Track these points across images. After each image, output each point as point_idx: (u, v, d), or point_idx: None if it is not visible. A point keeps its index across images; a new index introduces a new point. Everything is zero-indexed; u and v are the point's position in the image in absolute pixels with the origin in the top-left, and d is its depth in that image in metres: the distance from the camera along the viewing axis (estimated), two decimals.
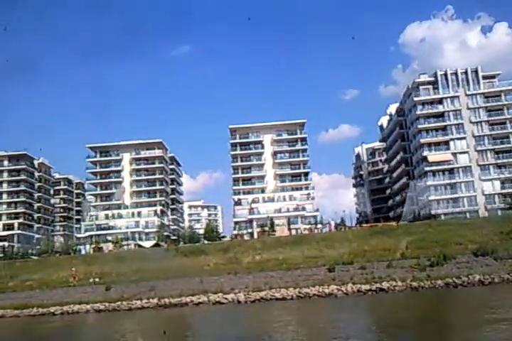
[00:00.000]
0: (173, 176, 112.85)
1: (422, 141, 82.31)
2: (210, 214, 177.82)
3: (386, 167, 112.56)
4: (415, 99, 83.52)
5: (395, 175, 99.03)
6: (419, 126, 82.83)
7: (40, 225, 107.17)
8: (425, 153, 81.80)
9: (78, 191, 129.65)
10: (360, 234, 46.37)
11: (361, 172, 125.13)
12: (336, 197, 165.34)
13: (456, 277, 28.64)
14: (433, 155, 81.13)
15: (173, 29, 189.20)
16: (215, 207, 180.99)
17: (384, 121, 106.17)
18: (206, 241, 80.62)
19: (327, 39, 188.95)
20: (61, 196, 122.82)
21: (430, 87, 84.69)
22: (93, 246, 78.04)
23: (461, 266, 31.21)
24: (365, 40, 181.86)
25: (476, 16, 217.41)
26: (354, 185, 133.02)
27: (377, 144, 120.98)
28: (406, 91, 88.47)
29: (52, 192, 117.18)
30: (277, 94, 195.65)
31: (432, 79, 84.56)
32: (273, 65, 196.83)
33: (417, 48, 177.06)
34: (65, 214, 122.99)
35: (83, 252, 75.20)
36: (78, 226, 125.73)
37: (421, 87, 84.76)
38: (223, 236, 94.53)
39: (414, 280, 28.89)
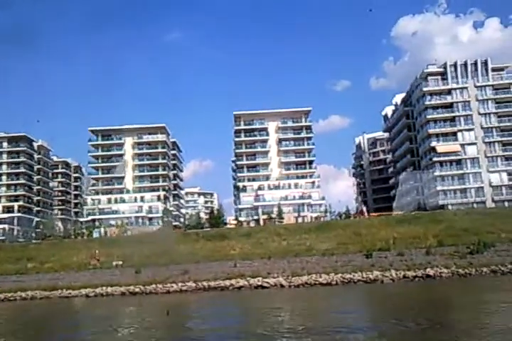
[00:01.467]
0: (174, 161, 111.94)
1: (431, 131, 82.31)
2: (206, 201, 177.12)
3: (389, 157, 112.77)
4: (424, 89, 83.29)
5: (399, 165, 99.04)
6: (428, 117, 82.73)
7: (39, 208, 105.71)
8: (433, 144, 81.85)
9: (76, 175, 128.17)
10: (385, 221, 46.24)
11: (362, 162, 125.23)
12: (326, 188, 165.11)
13: (501, 264, 28.56)
14: (441, 146, 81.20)
15: (178, 13, 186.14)
16: (212, 195, 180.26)
17: (389, 111, 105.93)
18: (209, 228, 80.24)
19: (320, 30, 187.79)
20: (59, 179, 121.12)
21: (439, 77, 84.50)
22: (108, 229, 77.09)
23: (502, 254, 31.17)
24: (358, 31, 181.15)
25: (468, 11, 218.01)
26: (354, 175, 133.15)
27: (378, 134, 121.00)
28: (414, 81, 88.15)
29: (50, 175, 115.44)
30: (268, 84, 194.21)
31: (441, 69, 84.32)
32: (264, 55, 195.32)
33: (409, 41, 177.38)
34: (63, 197, 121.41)
35: (96, 235, 74.22)
36: (76, 210, 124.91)
37: (429, 78, 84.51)
38: (225, 223, 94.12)
39: (458, 267, 28.73)
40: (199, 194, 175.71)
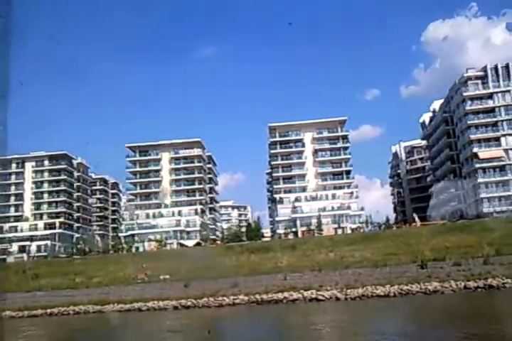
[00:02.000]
0: (210, 175, 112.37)
1: (472, 137, 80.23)
2: (240, 214, 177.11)
3: (428, 165, 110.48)
4: (464, 94, 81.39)
5: (438, 173, 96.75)
6: (469, 122, 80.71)
7: (79, 225, 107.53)
8: (475, 150, 79.70)
9: (113, 191, 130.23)
10: (434, 231, 44.88)
11: (399, 171, 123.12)
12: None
13: None
14: (484, 152, 78.94)
15: (206, 29, 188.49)
16: (245, 207, 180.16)
17: (426, 118, 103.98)
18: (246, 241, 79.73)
19: (349, 38, 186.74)
20: (97, 196, 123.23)
21: (479, 81, 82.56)
22: (146, 244, 77.66)
23: None
24: (387, 39, 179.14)
25: (501, 13, 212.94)
26: (391, 184, 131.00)
27: (415, 142, 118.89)
28: (453, 86, 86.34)
29: (89, 192, 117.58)
30: (297, 94, 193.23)
31: (481, 73, 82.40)
32: (294, 66, 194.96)
33: (440, 47, 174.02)
34: (101, 213, 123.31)
35: (141, 250, 74.80)
36: (114, 225, 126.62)
37: (469, 82, 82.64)
38: (263, 236, 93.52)
39: None
40: (233, 207, 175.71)
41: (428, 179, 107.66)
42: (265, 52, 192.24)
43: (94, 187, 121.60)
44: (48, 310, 34.46)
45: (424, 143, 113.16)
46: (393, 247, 40.42)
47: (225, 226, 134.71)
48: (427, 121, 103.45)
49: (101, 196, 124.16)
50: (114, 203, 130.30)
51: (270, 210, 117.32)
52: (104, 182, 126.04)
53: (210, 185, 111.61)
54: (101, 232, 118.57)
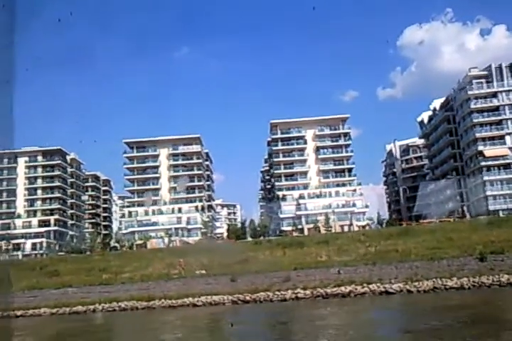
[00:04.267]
0: (208, 172, 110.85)
1: (478, 135, 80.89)
2: (229, 213, 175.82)
3: (424, 164, 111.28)
4: (469, 92, 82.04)
5: (439, 171, 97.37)
6: (474, 121, 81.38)
7: (73, 222, 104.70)
8: (481, 148, 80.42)
9: (105, 188, 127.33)
10: (470, 226, 44.66)
11: (394, 170, 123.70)
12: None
13: None
14: (490, 150, 79.71)
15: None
16: (235, 206, 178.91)
17: (425, 116, 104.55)
18: (250, 238, 78.58)
19: (326, 40, 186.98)
20: (89, 193, 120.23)
21: (483, 80, 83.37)
22: (167, 239, 75.92)
23: None
24: (365, 42, 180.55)
25: (475, 19, 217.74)
26: (385, 183, 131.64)
27: (410, 141, 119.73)
28: (458, 85, 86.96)
29: (81, 188, 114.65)
30: (276, 95, 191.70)
31: (485, 72, 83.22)
32: (272, 66, 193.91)
33: (416, 51, 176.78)
34: (93, 211, 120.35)
35: (162, 245, 72.86)
36: (105, 223, 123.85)
37: (474, 81, 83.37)
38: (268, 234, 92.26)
39: None
40: (222, 206, 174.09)
41: (426, 178, 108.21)
42: (247, 51, 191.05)
43: (86, 184, 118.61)
44: (90, 307, 32.77)
45: (420, 141, 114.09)
46: (433, 241, 40.02)
47: (217, 224, 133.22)
48: (426, 120, 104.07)
49: (93, 193, 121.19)
50: (105, 200, 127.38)
51: (267, 208, 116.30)
52: (96, 178, 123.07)
53: (208, 183, 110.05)
54: (92, 230, 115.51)
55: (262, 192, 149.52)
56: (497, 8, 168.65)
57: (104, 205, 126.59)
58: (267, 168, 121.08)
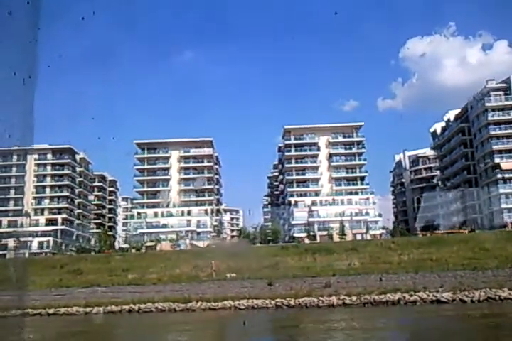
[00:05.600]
0: (217, 176, 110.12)
1: (494, 147, 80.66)
2: (232, 218, 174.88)
3: (435, 175, 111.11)
4: (487, 104, 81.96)
5: (450, 183, 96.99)
6: (491, 133, 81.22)
7: (79, 221, 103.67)
8: (497, 161, 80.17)
9: (111, 189, 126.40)
10: (501, 236, 44.13)
11: (403, 180, 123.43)
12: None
13: None
14: (507, 163, 79.44)
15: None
16: (237, 211, 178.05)
17: (438, 127, 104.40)
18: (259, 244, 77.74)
19: (329, 50, 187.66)
20: (95, 193, 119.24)
21: (501, 92, 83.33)
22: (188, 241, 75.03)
23: None
24: (367, 53, 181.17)
25: (477, 34, 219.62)
26: (393, 193, 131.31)
27: (419, 152, 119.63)
28: (475, 96, 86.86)
29: (89, 188, 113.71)
30: (277, 103, 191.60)
31: (504, 85, 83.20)
32: (275, 74, 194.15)
33: (417, 63, 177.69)
34: (99, 211, 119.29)
35: (183, 247, 71.88)
36: (110, 224, 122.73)
37: (492, 93, 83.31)
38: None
39: None
40: (225, 210, 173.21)
41: (436, 189, 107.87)
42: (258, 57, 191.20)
43: (93, 184, 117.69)
44: (125, 307, 31.94)
45: (430, 152, 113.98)
46: (468, 251, 39.43)
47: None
48: (439, 131, 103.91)
49: (99, 193, 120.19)
50: (110, 201, 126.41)
51: (274, 214, 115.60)
52: (103, 179, 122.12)
53: (217, 186, 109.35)
54: (98, 231, 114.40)
55: (266, 198, 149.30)
56: (499, 24, 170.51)
57: (110, 206, 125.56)
58: (276, 173, 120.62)
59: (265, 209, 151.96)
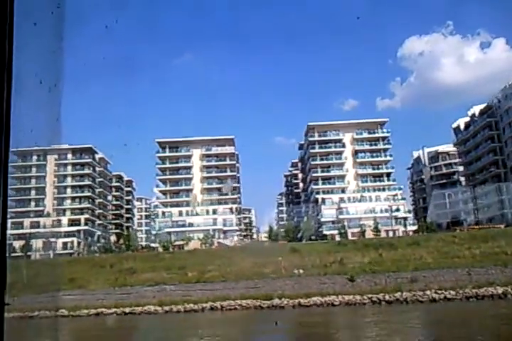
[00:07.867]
0: (238, 174, 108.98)
1: None
2: (244, 218, 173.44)
3: (457, 170, 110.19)
4: None
5: (476, 178, 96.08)
6: None
7: (100, 222, 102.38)
8: None
9: (128, 189, 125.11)
10: None
11: (422, 177, 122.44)
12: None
13: None
14: None
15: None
16: (249, 210, 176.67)
17: (461, 123, 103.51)
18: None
19: (328, 49, 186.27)
20: (113, 193, 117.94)
21: None
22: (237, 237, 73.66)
23: None
24: (365, 52, 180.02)
25: (475, 32, 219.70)
26: (412, 190, 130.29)
27: (439, 148, 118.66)
28: (503, 91, 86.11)
29: (108, 188, 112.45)
30: (273, 102, 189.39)
31: None
32: (275, 74, 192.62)
33: (416, 62, 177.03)
34: (117, 211, 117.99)
35: (230, 245, 70.65)
36: (128, 224, 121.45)
37: None
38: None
39: None
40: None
41: (457, 185, 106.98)
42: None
43: (111, 184, 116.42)
44: (205, 305, 30.74)
45: (449, 148, 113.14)
46: None
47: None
48: (462, 127, 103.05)
49: (117, 193, 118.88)
50: (128, 201, 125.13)
51: (295, 212, 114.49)
52: (120, 179, 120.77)
53: (238, 185, 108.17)
54: (118, 231, 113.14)
55: (280, 196, 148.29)
56: (497, 22, 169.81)
57: (127, 206, 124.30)
58: (295, 171, 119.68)
59: (280, 208, 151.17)
